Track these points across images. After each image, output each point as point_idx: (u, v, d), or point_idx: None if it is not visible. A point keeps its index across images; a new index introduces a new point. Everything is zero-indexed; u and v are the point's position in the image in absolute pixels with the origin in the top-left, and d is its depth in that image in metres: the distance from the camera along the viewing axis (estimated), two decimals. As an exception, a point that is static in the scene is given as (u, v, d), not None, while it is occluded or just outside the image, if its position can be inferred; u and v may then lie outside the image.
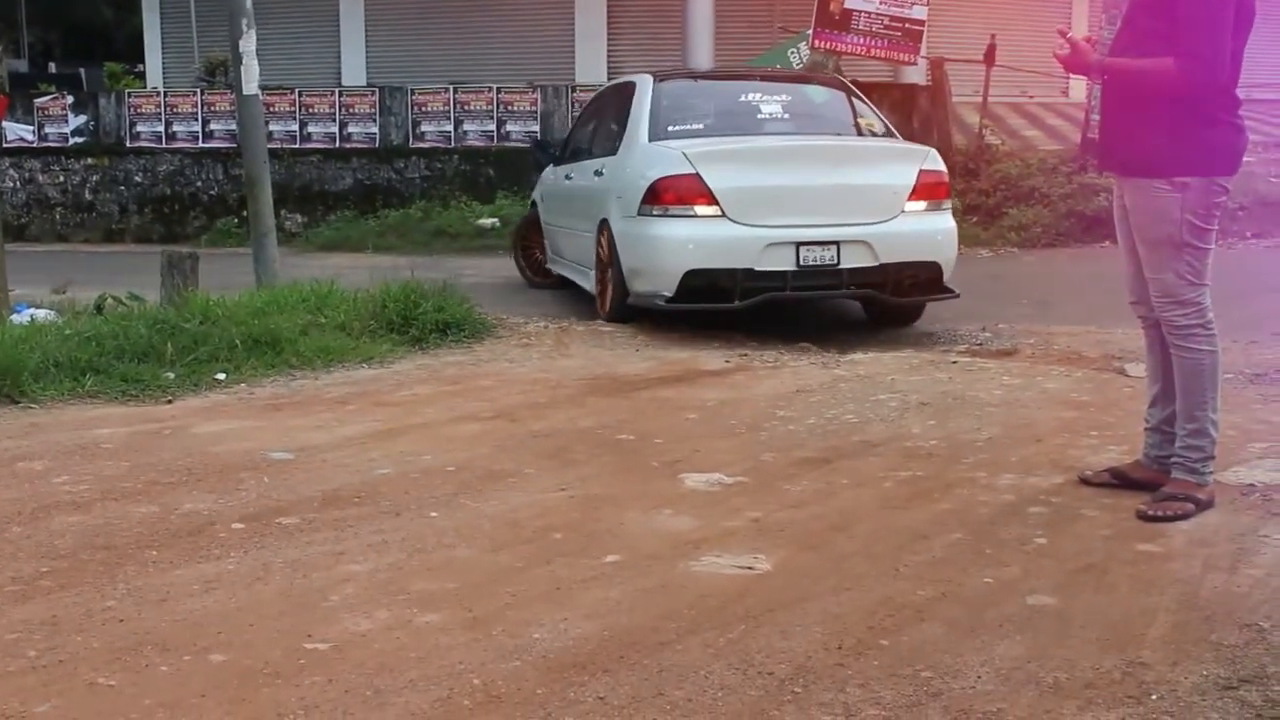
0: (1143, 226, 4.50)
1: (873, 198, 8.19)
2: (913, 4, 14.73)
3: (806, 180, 8.15)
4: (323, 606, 3.64)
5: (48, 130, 19.14)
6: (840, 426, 5.78)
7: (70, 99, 19.52)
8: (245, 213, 12.50)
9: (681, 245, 8.10)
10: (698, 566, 3.97)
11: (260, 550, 4.12)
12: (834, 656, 3.29)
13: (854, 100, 9.42)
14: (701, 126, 8.81)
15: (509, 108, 17.33)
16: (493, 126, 17.37)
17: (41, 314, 8.48)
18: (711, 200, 8.01)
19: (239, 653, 3.31)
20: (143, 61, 24.82)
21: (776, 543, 4.19)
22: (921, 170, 8.29)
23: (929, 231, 8.30)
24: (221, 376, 6.84)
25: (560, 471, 5.07)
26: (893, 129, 9.08)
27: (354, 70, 21.28)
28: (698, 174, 8.06)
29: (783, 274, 8.01)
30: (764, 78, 10.36)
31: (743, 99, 9.11)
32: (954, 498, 4.70)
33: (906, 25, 14.75)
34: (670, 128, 8.74)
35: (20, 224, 18.73)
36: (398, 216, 16.89)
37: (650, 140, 8.67)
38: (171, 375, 6.75)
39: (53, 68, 35.65)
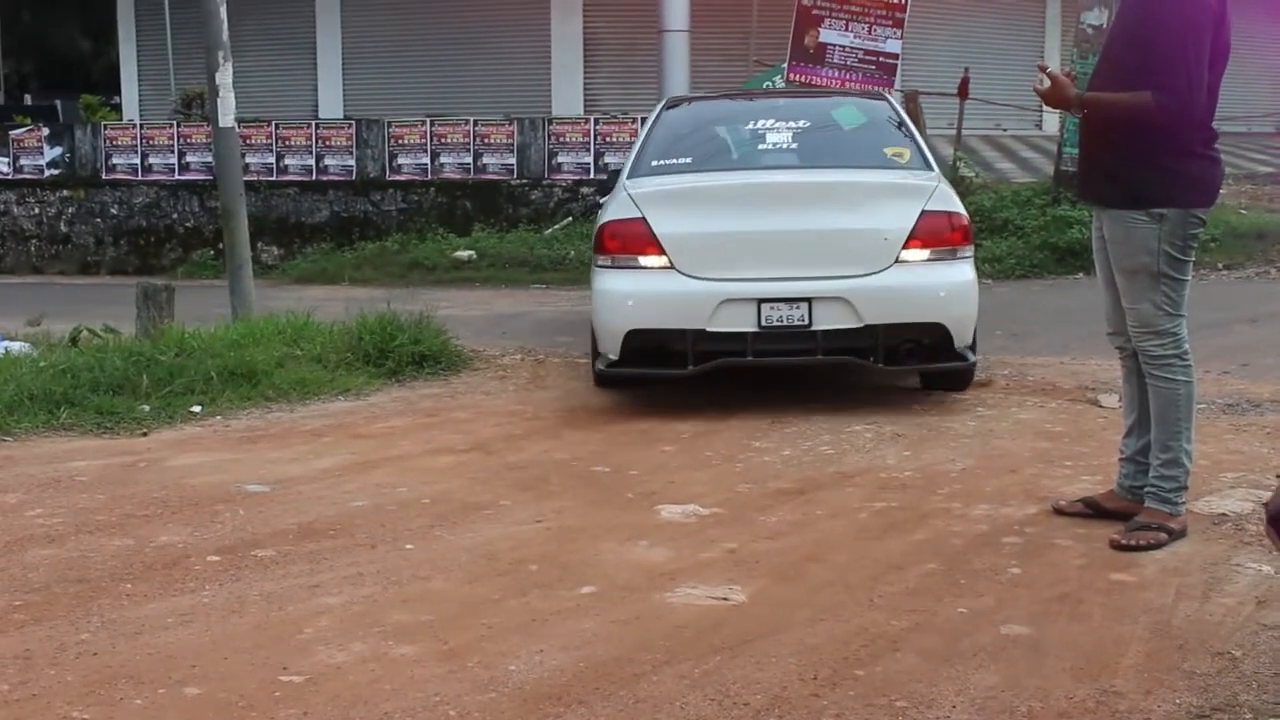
0: (1120, 257, 4.54)
1: (856, 245, 6.72)
2: (887, 38, 14.82)
3: (773, 225, 6.75)
4: (298, 639, 3.64)
5: (23, 162, 19.06)
6: (815, 458, 5.80)
7: (46, 131, 19.46)
8: (221, 245, 12.47)
9: (621, 302, 6.85)
10: (673, 598, 3.97)
11: (235, 583, 4.11)
12: (809, 687, 3.30)
13: (890, 123, 7.86)
14: (689, 160, 7.45)
15: (485, 140, 17.34)
16: (469, 159, 17.37)
17: (16, 346, 8.43)
18: (658, 249, 6.75)
19: (214, 686, 3.31)
20: (119, 93, 24.78)
21: (752, 574, 4.20)
22: (924, 212, 6.73)
23: (930, 286, 6.70)
24: (197, 409, 6.82)
25: (536, 503, 5.08)
26: (930, 159, 7.41)
27: (330, 103, 21.29)
28: (644, 219, 6.82)
29: (742, 336, 6.68)
30: (799, 97, 9.65)
31: (750, 126, 7.76)
32: (928, 528, 4.72)
33: (881, 59, 14.84)
34: (655, 162, 7.49)
35: (-6, 256, 18.66)
36: (374, 249, 16.86)
37: (629, 177, 7.44)
38: (147, 408, 6.73)
39: (28, 99, 35.54)
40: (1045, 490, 5.19)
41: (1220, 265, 12.95)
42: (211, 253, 17.54)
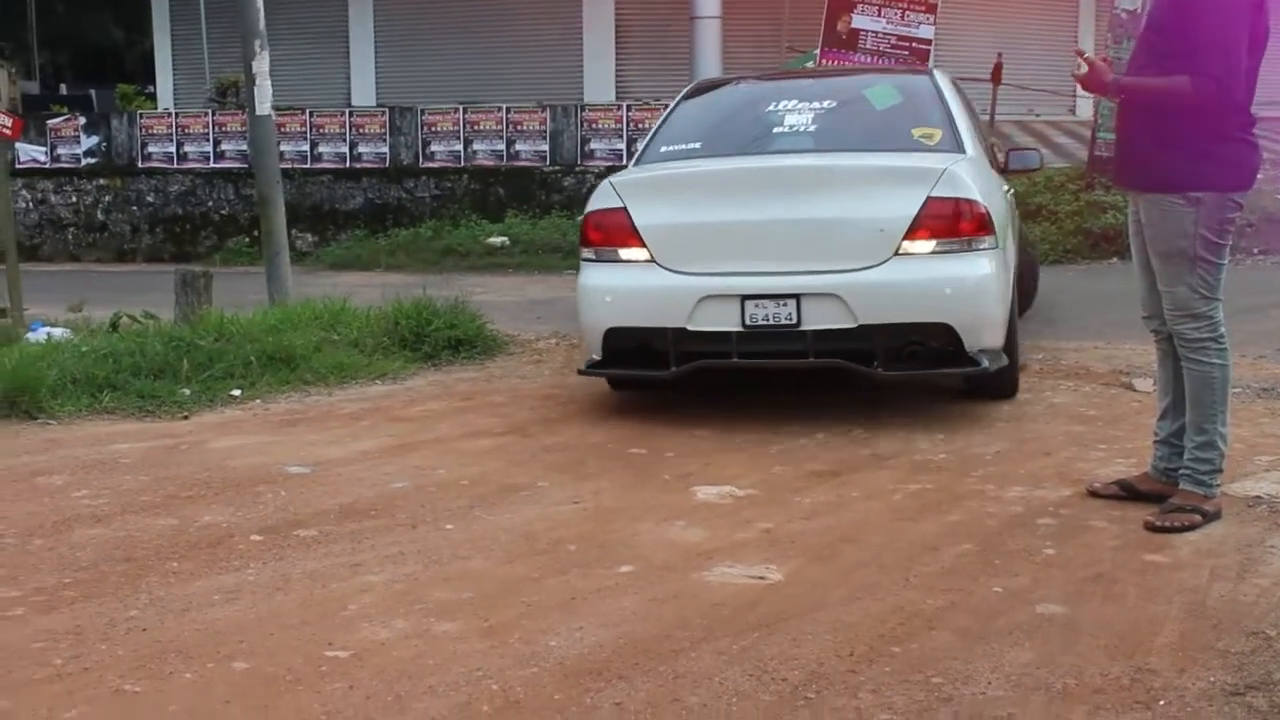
0: (1157, 240, 4.56)
1: (850, 236, 6.03)
2: (920, 23, 14.79)
3: (760, 214, 6.10)
4: (342, 616, 3.70)
5: (60, 151, 19.25)
6: (849, 440, 5.84)
7: (83, 120, 19.64)
8: (256, 232, 12.59)
9: (600, 298, 6.42)
10: (710, 577, 4.02)
11: (279, 562, 4.18)
12: (846, 663, 3.34)
13: (928, 101, 6.99)
14: (698, 146, 6.89)
15: (518, 127, 17.41)
16: (502, 146, 17.45)
17: (58, 332, 8.56)
18: (638, 241, 6.25)
19: (261, 660, 3.37)
20: (153, 83, 24.95)
21: (788, 553, 4.24)
22: (930, 198, 5.94)
23: (935, 281, 5.95)
24: (237, 393, 6.91)
25: (573, 485, 5.13)
26: (966, 140, 6.61)
27: (363, 91, 21.38)
28: (625, 209, 6.32)
29: (726, 335, 6.09)
30: (834, 77, 9.02)
31: (770, 109, 7.00)
32: (963, 510, 4.75)
33: (914, 44, 14.80)
34: (664, 148, 6.98)
35: (33, 244, 18.82)
36: (408, 235, 16.96)
37: (636, 164, 7.06)
38: (187, 391, 6.82)
39: (64, 89, 35.80)
40: (1079, 473, 5.21)
41: (1256, 250, 12.89)
42: (247, 240, 17.69)
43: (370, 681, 3.24)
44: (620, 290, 6.35)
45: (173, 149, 18.75)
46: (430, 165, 17.73)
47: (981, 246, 6.06)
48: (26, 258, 17.51)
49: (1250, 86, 4.44)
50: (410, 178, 17.82)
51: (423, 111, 17.87)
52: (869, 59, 14.68)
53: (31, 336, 8.43)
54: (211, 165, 18.63)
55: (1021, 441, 5.76)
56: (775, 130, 6.84)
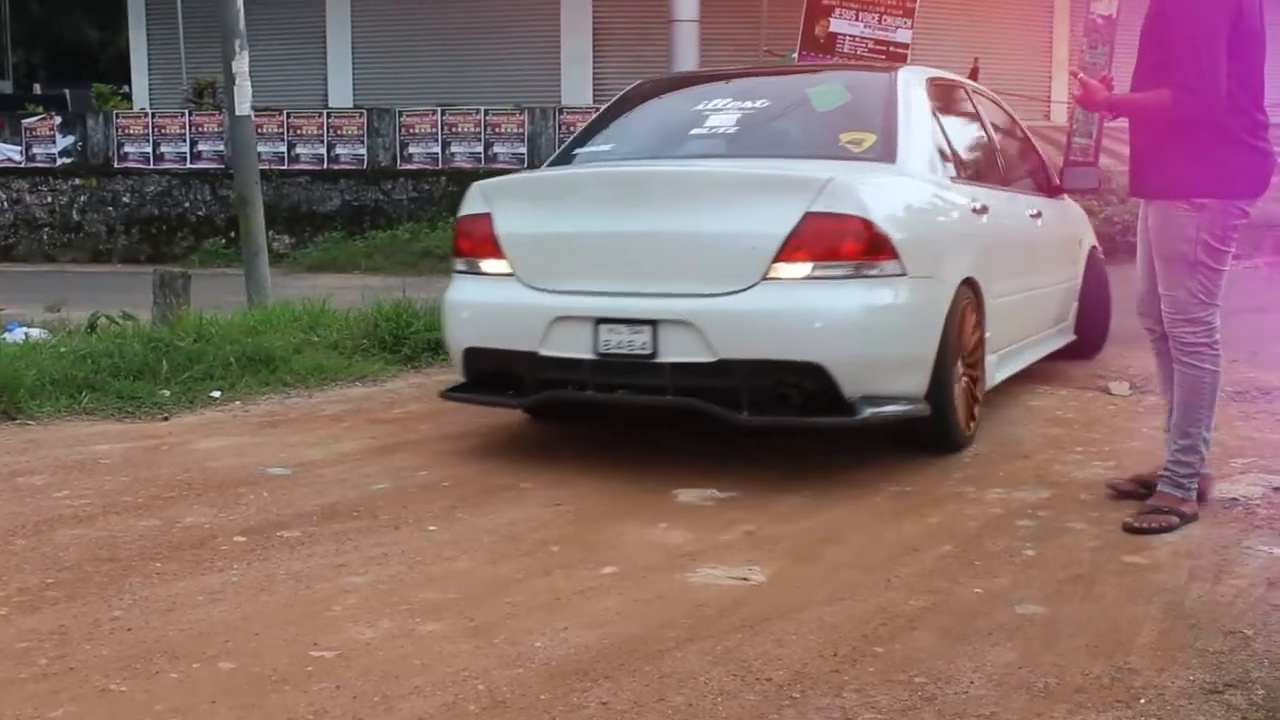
0: (1160, 243, 4.61)
1: (716, 255, 5.15)
2: (897, 28, 14.88)
3: (620, 226, 5.33)
4: (327, 616, 3.71)
5: (35, 151, 19.20)
6: (829, 443, 5.86)
7: (58, 120, 19.56)
8: (233, 233, 12.55)
9: (457, 314, 5.81)
10: (694, 578, 4.04)
11: (263, 562, 4.18)
12: (830, 663, 3.36)
13: (875, 105, 6.02)
14: (610, 148, 6.27)
15: (496, 130, 17.46)
16: (480, 148, 17.48)
17: (34, 333, 8.53)
18: (499, 252, 5.58)
19: (247, 660, 3.38)
20: (128, 82, 24.88)
21: (771, 555, 4.26)
22: (809, 214, 4.99)
23: (804, 312, 4.99)
24: (217, 394, 6.90)
25: (555, 487, 5.15)
26: (906, 147, 5.67)
27: (340, 92, 21.37)
28: (489, 215, 5.66)
29: (580, 363, 5.31)
30: (785, 74, 7.98)
31: (699, 108, 6.24)
32: (943, 511, 4.79)
33: (891, 48, 14.89)
34: (578, 150, 6.36)
35: (7, 244, 18.77)
36: (385, 237, 16.97)
37: (546, 167, 6.53)
38: (167, 393, 6.81)
39: (37, 89, 35.65)
40: (1057, 475, 5.27)
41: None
42: (223, 241, 17.66)
43: (356, 681, 3.24)
44: (478, 307, 5.70)
45: (149, 149, 18.72)
46: (408, 167, 17.75)
47: (872, 273, 5.04)
48: (1, 258, 17.47)
49: (1253, 89, 4.47)
50: (388, 179, 17.83)
51: (401, 113, 17.87)
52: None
53: (8, 337, 8.39)
54: (188, 166, 18.60)
55: (1000, 444, 5.81)
56: (693, 133, 6.09)
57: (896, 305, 5.10)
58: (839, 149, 5.72)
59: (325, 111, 18.90)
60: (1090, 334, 7.94)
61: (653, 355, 5.14)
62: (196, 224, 18.57)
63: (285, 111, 18.31)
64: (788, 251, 5.00)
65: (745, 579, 4.04)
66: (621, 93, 6.92)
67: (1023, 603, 3.82)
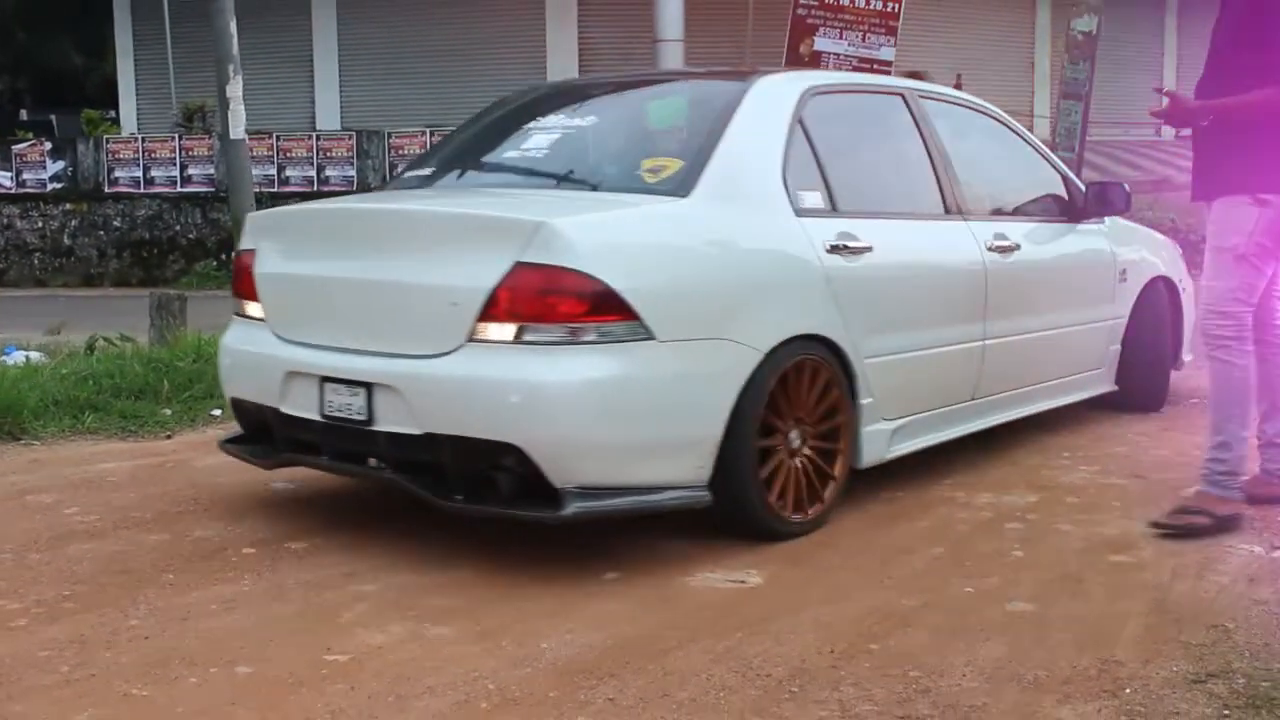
0: (1215, 234, 4.70)
1: (423, 310, 4.39)
2: (881, 45, 15.07)
3: (347, 271, 4.61)
4: (338, 622, 3.82)
5: (26, 176, 19.30)
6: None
7: (48, 145, 19.67)
8: (224, 255, 12.68)
9: (222, 360, 5.27)
10: (694, 581, 4.16)
11: (273, 573, 4.29)
12: (827, 659, 3.49)
13: (707, 123, 4.92)
14: (428, 173, 5.56)
15: (484, 150, 17.58)
16: (469, 168, 17.60)
17: (34, 356, 8.62)
18: (255, 294, 5.00)
19: (263, 665, 3.49)
20: (115, 107, 24.99)
21: (767, 558, 4.39)
22: (519, 265, 4.14)
23: (502, 384, 4.13)
24: (218, 412, 7.00)
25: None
26: (703, 179, 4.60)
27: (328, 114, 21.51)
28: (254, 252, 5.07)
29: (312, 425, 4.66)
30: (653, 84, 6.11)
31: (530, 125, 5.52)
32: (934, 515, 4.92)
33: (874, 66, 15.07)
34: (410, 172, 5.80)
35: (-2, 270, 18.87)
36: (376, 258, 17.07)
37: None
38: (169, 412, 6.92)
39: (23, 115, 35.75)
40: (1044, 480, 5.42)
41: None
42: (214, 264, 17.76)
43: (371, 683, 3.36)
44: (235, 354, 5.13)
45: (139, 173, 18.82)
46: (397, 188, 17.85)
47: (593, 338, 4.13)
48: (-7, 283, 17.56)
49: None
50: (377, 201, 17.92)
51: (389, 135, 18.00)
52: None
53: (6, 360, 8.48)
54: (179, 190, 18.70)
55: (988, 450, 5.93)
56: (505, 156, 5.44)
57: (633, 377, 4.18)
58: (632, 179, 4.82)
59: (314, 134, 19.03)
60: (1144, 383, 6.81)
61: (368, 422, 4.43)
62: (188, 247, 18.68)
63: (275, 134, 18.44)
64: (493, 309, 4.17)
65: (743, 581, 4.16)
66: (496, 100, 6.08)
67: (1013, 601, 3.95)
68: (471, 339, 4.20)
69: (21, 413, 6.56)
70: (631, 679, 3.37)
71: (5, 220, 19.33)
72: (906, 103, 5.66)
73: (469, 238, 4.36)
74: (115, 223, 18.97)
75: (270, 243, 5.02)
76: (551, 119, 5.47)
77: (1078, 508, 4.99)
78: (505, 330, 4.16)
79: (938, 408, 5.38)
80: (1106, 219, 6.52)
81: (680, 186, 4.58)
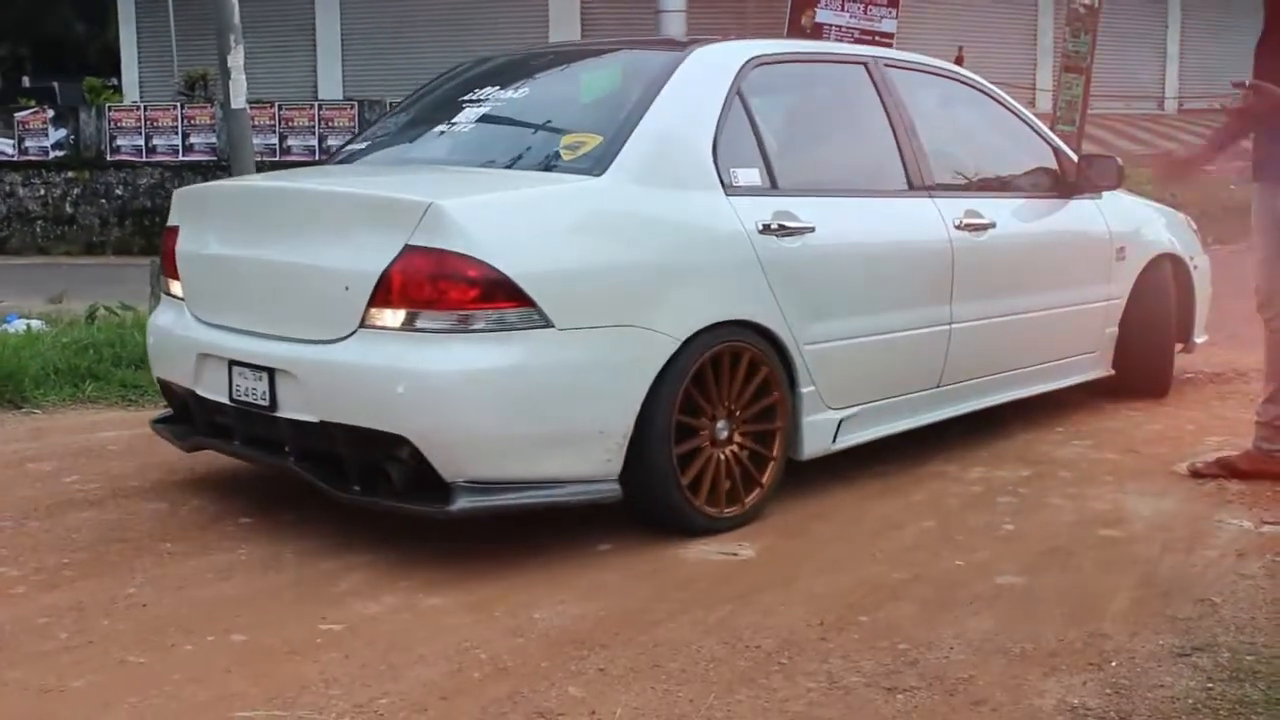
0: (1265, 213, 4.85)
1: (318, 294, 4.25)
2: (882, 17, 15.01)
3: (252, 251, 4.52)
4: (333, 591, 3.86)
5: (28, 144, 19.27)
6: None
7: (51, 113, 19.65)
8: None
9: (148, 339, 5.29)
10: (686, 553, 4.20)
11: (269, 543, 4.33)
12: (816, 632, 3.52)
13: (634, 95, 4.68)
14: (365, 146, 5.48)
15: (486, 120, 17.57)
16: (470, 138, 17.59)
17: (35, 324, 8.65)
18: (176, 272, 4.93)
19: (259, 633, 3.53)
20: (116, 75, 24.95)
21: (759, 532, 4.42)
22: (408, 248, 3.97)
23: (389, 372, 3.99)
24: (217, 382, 7.02)
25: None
26: (622, 155, 4.39)
27: (330, 83, 21.48)
28: (178, 229, 4.93)
29: (224, 409, 4.58)
30: (588, 55, 5.74)
31: (466, 97, 5.18)
32: (925, 489, 4.96)
33: (876, 38, 15.01)
34: (354, 146, 5.64)
35: (1, 238, 18.85)
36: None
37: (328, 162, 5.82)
38: (169, 381, 6.93)
39: (26, 82, 35.71)
40: (1037, 454, 5.44)
41: (1210, 240, 13.16)
42: (215, 233, 17.75)
43: (364, 651, 3.40)
44: (158, 333, 5.08)
45: (141, 142, 18.80)
46: (399, 158, 17.85)
47: (484, 326, 3.95)
48: (-5, 251, 17.58)
49: None
50: (379, 170, 17.92)
51: (391, 104, 17.96)
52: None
53: (8, 328, 8.51)
54: (180, 158, 18.68)
55: (981, 424, 5.94)
56: (437, 130, 5.21)
57: (527, 367, 3.99)
58: (549, 156, 4.58)
59: (316, 103, 19.00)
60: (1145, 367, 6.47)
61: (271, 408, 4.33)
62: (189, 216, 18.69)
63: (277, 103, 18.41)
64: (383, 295, 4.01)
65: (735, 554, 4.20)
66: (445, 70, 5.81)
67: (1002, 574, 3.99)
68: (364, 325, 4.05)
69: (23, 381, 6.59)
70: (622, 650, 3.40)
71: (7, 188, 19.32)
72: (869, 72, 5.34)
73: (362, 219, 4.23)
74: (117, 191, 18.96)
75: (191, 220, 4.89)
76: (490, 92, 5.18)
77: (1069, 482, 5.02)
78: (396, 316, 4.00)
79: (895, 395, 5.15)
80: (1105, 193, 6.17)
81: (595, 165, 4.37)
